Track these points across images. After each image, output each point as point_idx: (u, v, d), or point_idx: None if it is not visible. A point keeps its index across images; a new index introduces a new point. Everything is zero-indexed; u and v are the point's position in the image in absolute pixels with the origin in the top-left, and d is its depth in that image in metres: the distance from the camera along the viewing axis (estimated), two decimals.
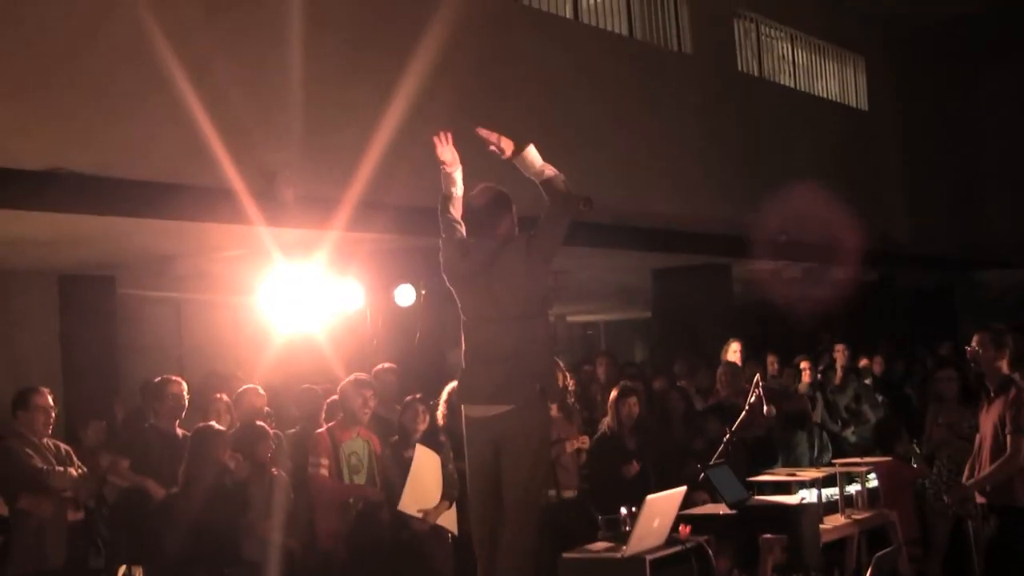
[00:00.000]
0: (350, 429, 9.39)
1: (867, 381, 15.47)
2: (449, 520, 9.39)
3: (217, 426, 9.29)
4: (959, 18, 23.48)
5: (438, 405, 9.79)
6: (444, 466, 9.45)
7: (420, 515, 9.27)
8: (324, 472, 9.18)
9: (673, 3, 17.52)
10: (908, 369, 17.47)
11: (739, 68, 19.32)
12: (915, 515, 10.22)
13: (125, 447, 9.88)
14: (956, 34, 23.97)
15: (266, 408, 10.38)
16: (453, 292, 6.84)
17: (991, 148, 23.86)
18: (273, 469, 9.29)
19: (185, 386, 9.82)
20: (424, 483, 9.26)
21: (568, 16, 15.53)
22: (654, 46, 17.13)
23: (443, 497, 9.29)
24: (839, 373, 15.24)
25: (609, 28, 16.28)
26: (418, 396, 9.80)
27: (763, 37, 20.24)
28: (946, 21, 23.70)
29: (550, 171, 6.65)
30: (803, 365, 14.50)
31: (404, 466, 9.37)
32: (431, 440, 9.59)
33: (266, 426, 9.52)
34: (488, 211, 6.75)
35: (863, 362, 16.30)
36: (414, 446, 9.51)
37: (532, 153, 6.63)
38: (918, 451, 11.00)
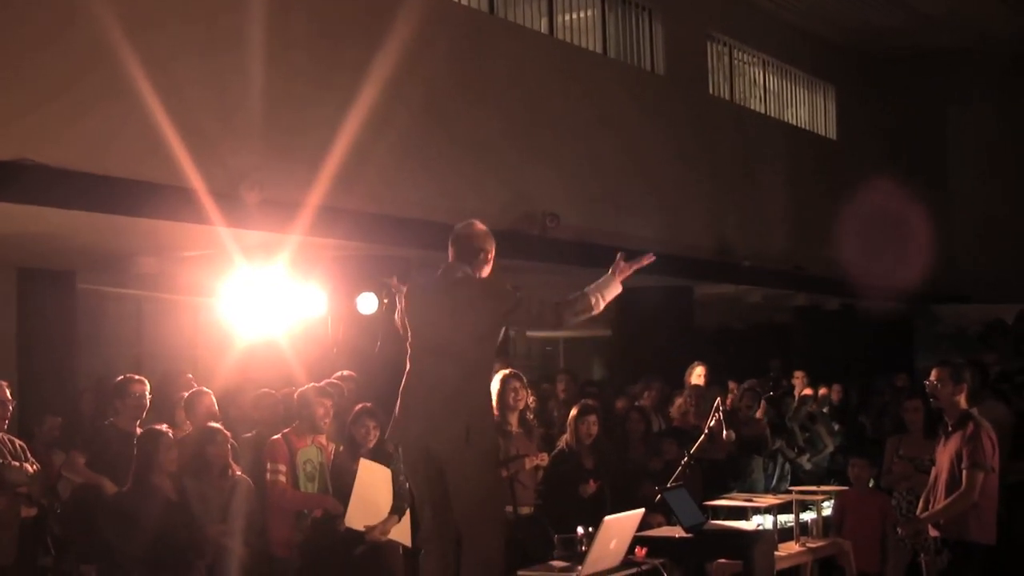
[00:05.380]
0: (306, 436, 9.28)
1: (824, 409, 15.47)
2: (401, 533, 9.22)
3: (164, 428, 9.16)
4: (932, 52, 23.62)
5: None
6: (395, 478, 9.18)
7: (366, 530, 9.10)
8: (283, 479, 9.05)
9: (648, 24, 17.56)
10: (862, 399, 17.48)
11: (711, 91, 19.36)
12: (878, 548, 10.17)
13: (85, 444, 9.68)
14: (927, 68, 24.13)
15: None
16: (406, 319, 7.07)
17: (955, 184, 23.98)
18: (237, 472, 9.16)
19: (148, 386, 9.69)
20: (370, 498, 9.08)
21: (543, 31, 15.52)
22: (628, 65, 17.15)
23: (392, 511, 9.07)
24: (796, 399, 15.24)
25: (584, 45, 16.28)
26: (368, 405, 9.61)
27: (736, 62, 20.32)
28: (918, 55, 23.83)
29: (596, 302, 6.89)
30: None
31: (355, 476, 9.22)
32: (381, 451, 9.36)
33: (222, 428, 9.37)
34: (474, 243, 6.96)
35: (822, 390, 16.31)
36: (359, 460, 9.31)
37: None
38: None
